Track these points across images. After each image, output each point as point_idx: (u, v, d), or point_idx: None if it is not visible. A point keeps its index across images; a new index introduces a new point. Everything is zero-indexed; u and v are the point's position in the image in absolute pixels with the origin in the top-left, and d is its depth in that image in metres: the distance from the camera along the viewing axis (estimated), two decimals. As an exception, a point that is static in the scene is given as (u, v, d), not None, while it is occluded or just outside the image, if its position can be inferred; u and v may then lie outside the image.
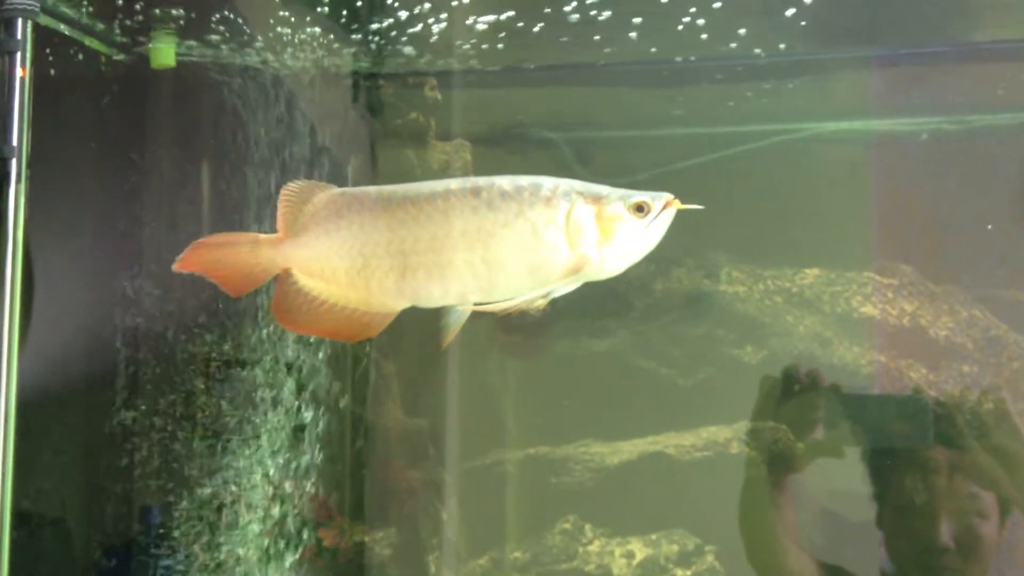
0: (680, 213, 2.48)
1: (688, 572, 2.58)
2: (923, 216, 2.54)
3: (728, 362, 2.69)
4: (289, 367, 2.60)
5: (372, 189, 1.34)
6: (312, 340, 2.62)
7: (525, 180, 1.30)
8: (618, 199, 1.27)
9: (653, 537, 2.62)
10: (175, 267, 1.34)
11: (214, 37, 2.45)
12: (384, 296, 1.32)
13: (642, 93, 2.72)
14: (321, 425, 2.63)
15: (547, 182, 1.29)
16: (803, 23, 2.43)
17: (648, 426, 2.71)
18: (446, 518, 2.73)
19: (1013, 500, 2.13)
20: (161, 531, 2.50)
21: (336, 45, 2.62)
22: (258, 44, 2.50)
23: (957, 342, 2.52)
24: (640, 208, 1.26)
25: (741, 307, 2.69)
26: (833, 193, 2.44)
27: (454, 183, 1.31)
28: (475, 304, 1.31)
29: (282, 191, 1.34)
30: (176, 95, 2.59)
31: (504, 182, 1.30)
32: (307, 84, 2.68)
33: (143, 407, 2.53)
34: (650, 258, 2.69)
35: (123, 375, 2.51)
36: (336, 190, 1.34)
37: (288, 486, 2.57)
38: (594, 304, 2.78)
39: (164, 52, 2.49)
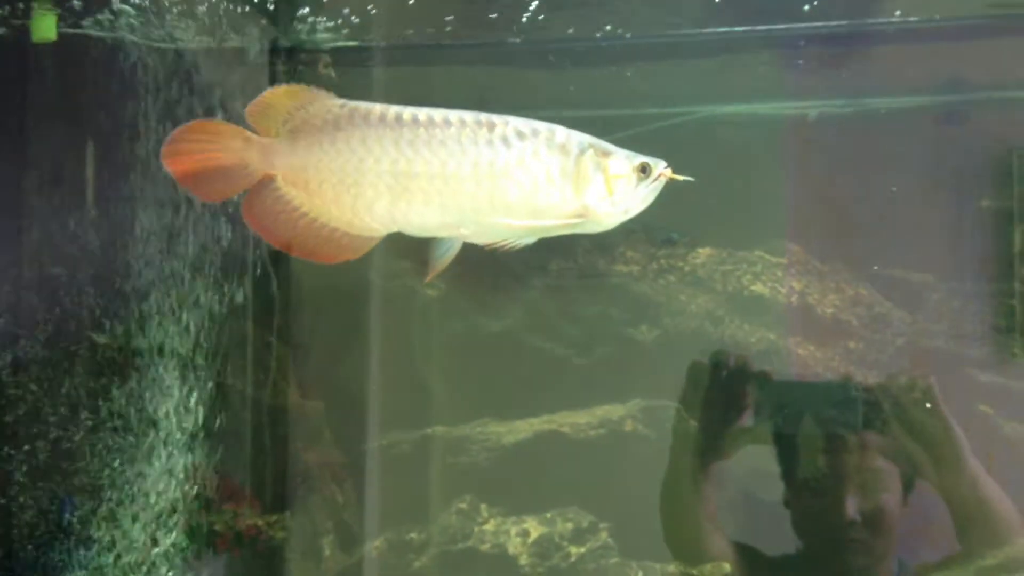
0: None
1: (582, 549, 2.59)
2: (812, 196, 2.59)
3: (623, 341, 2.70)
4: (181, 354, 2.54)
5: (378, 106, 1.29)
6: (204, 326, 2.56)
7: (541, 124, 1.29)
8: (624, 158, 1.29)
9: (548, 515, 2.63)
10: (164, 150, 1.25)
11: (105, 14, 2.37)
12: (371, 218, 1.28)
13: (539, 74, 2.71)
14: (216, 409, 2.57)
15: (560, 129, 1.30)
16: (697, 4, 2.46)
17: (544, 405, 2.72)
18: (341, 500, 2.70)
19: (935, 484, 2.19)
20: (53, 524, 2.44)
21: (245, 20, 2.56)
22: (153, 19, 2.43)
23: (843, 319, 2.57)
24: (644, 169, 1.29)
25: (635, 286, 2.71)
26: (726, 174, 2.46)
27: (467, 114, 1.29)
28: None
29: (270, 91, 1.28)
30: (59, 70, 2.50)
31: (519, 122, 1.29)
32: (209, 61, 2.60)
33: (30, 399, 2.46)
34: (547, 238, 2.70)
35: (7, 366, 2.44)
36: (337, 100, 1.29)
37: (183, 473, 2.52)
38: (489, 283, 2.78)
39: (45, 25, 2.39)
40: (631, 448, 2.64)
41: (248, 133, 1.29)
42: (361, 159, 1.26)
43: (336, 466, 2.72)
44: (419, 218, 1.28)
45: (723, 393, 2.29)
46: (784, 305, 2.63)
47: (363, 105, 1.29)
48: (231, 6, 2.51)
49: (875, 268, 2.58)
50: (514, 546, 2.61)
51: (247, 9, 2.56)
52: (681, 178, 1.29)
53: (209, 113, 2.53)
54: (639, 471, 2.64)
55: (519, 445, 2.68)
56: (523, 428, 2.69)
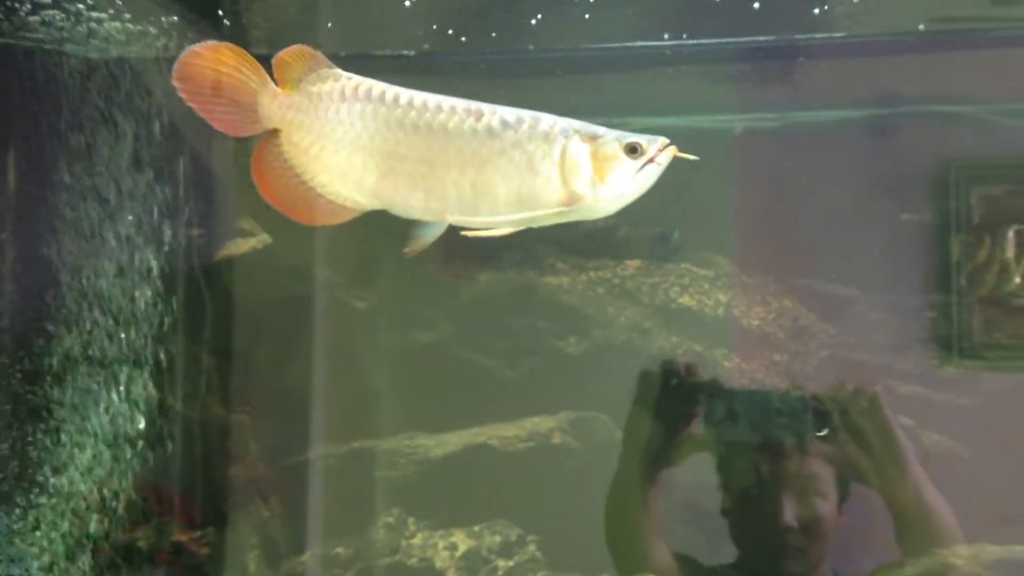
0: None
1: (510, 563, 2.59)
2: (740, 210, 2.61)
3: (552, 353, 2.70)
4: (109, 367, 2.50)
5: (382, 84, 1.30)
6: (133, 336, 2.52)
7: (527, 113, 1.29)
8: (614, 139, 1.27)
9: (476, 528, 2.62)
10: (182, 59, 1.25)
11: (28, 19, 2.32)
12: (358, 192, 1.29)
13: (469, 85, 2.70)
14: (143, 423, 2.53)
15: (547, 118, 1.28)
16: (631, 15, 2.46)
17: (473, 418, 2.71)
18: (267, 515, 2.66)
19: (879, 490, 2.22)
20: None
21: (184, 26, 2.53)
22: (85, 27, 2.39)
23: (768, 331, 2.60)
24: (634, 149, 1.27)
25: (565, 298, 2.71)
26: (655, 187, 2.47)
27: (459, 102, 1.29)
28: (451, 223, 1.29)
29: (297, 47, 1.29)
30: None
31: (506, 112, 1.28)
32: (147, 69, 2.57)
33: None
34: (478, 248, 2.69)
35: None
36: (347, 75, 1.30)
37: (107, 486, 2.47)
38: (419, 295, 2.76)
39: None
40: (559, 460, 2.63)
41: (267, 77, 1.30)
42: (357, 134, 1.28)
43: (262, 480, 2.69)
44: (403, 200, 1.29)
45: (673, 401, 2.30)
46: (710, 317, 2.65)
47: (367, 81, 1.31)
48: (171, 15, 2.49)
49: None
50: (442, 560, 2.59)
51: (188, 18, 2.53)
52: (686, 156, 1.28)
53: (146, 121, 2.50)
54: (567, 484, 2.65)
55: (447, 458, 2.67)
56: (452, 441, 2.68)
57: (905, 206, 2.58)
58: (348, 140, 1.29)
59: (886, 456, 2.21)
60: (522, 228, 1.29)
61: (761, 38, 2.52)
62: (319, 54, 1.31)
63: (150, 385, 2.54)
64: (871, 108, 2.62)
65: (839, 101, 2.65)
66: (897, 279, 2.58)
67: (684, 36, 2.52)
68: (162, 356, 2.59)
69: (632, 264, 2.67)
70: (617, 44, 2.53)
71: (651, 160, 1.27)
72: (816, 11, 2.44)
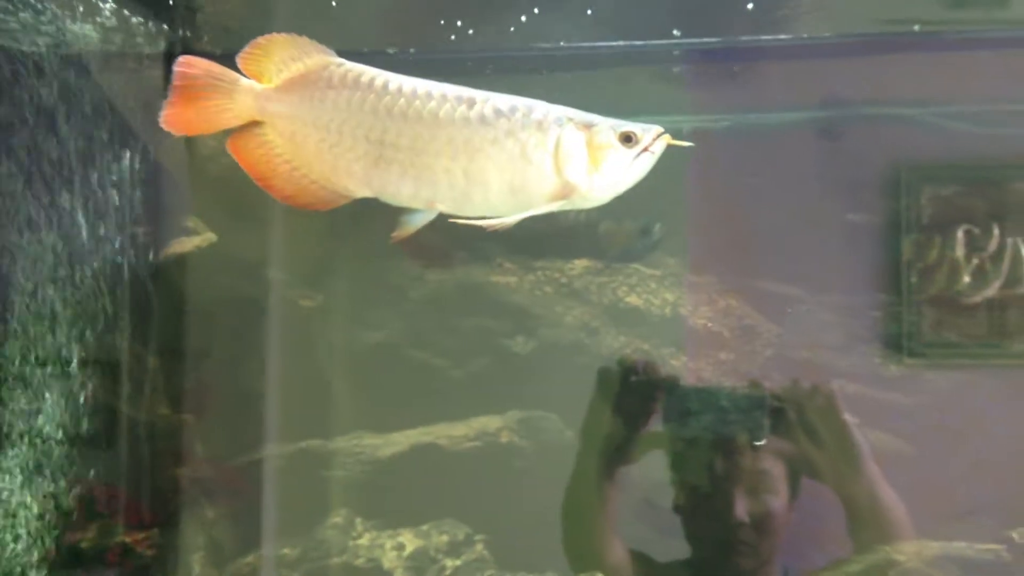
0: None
1: (458, 562, 2.58)
2: (688, 210, 2.62)
3: (500, 352, 2.70)
4: (47, 363, 2.46)
5: (371, 70, 1.29)
6: (73, 335, 2.49)
7: (520, 101, 1.27)
8: (608, 128, 1.26)
9: (424, 528, 2.61)
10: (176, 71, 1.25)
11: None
12: (349, 179, 1.28)
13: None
14: (87, 424, 2.50)
15: (541, 106, 1.27)
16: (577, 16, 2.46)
17: (421, 417, 2.70)
18: (212, 516, 2.64)
19: (834, 486, 2.24)
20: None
21: (139, 24, 2.51)
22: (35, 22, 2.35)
23: (714, 331, 2.61)
24: (628, 138, 1.26)
25: (513, 297, 2.71)
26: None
27: (451, 89, 1.28)
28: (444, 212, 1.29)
29: (267, 37, 1.27)
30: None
31: (499, 99, 1.27)
32: (98, 64, 2.54)
33: None
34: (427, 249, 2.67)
35: None
36: (335, 58, 1.28)
37: (49, 488, 2.44)
38: (368, 294, 2.75)
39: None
40: (507, 460, 2.63)
41: (237, 76, 1.28)
42: (345, 120, 1.27)
43: (208, 481, 2.66)
44: (393, 187, 1.28)
45: (631, 398, 2.31)
46: (658, 317, 2.66)
47: (357, 67, 1.30)
48: (123, 10, 2.46)
49: (788, 311, 2.60)
50: (389, 560, 2.58)
51: (141, 14, 2.51)
52: (680, 143, 1.27)
53: (91, 117, 2.47)
54: (515, 483, 2.65)
55: (395, 458, 2.66)
56: (399, 440, 2.67)
57: (856, 207, 2.60)
58: (336, 128, 1.27)
59: (842, 453, 2.24)
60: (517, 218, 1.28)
61: (711, 39, 2.53)
62: (302, 39, 1.29)
63: (93, 385, 2.51)
64: (822, 110, 2.64)
65: (790, 103, 2.67)
66: (846, 279, 2.60)
67: (633, 38, 2.54)
68: (105, 356, 2.56)
69: (580, 263, 2.68)
70: (569, 44, 2.53)
71: (646, 149, 1.27)
72: (767, 12, 2.47)
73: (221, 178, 2.68)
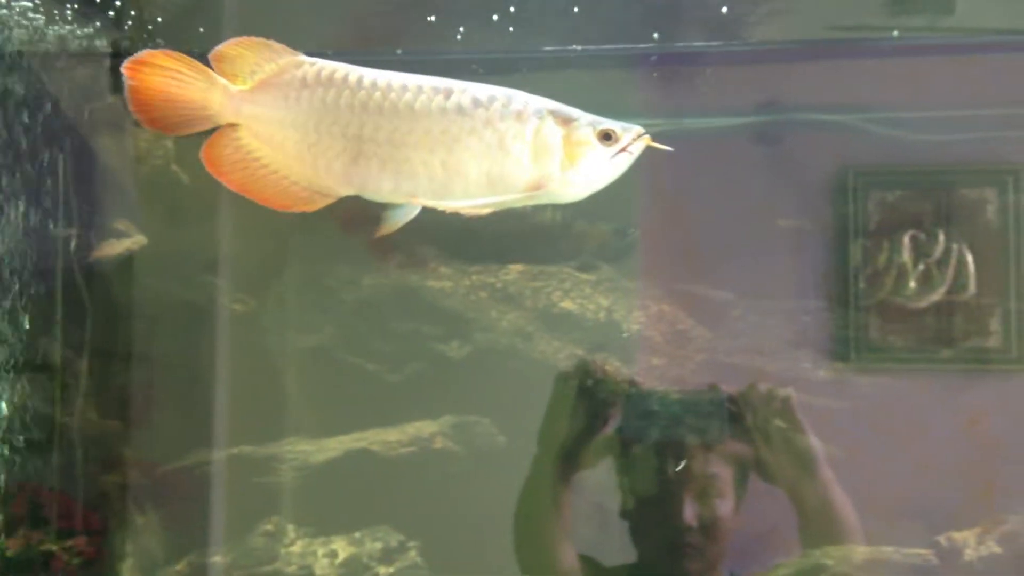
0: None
1: (391, 569, 2.57)
2: (623, 215, 2.64)
3: (435, 357, 2.69)
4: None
5: (345, 67, 1.25)
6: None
7: (499, 91, 1.24)
8: (587, 124, 1.23)
9: (357, 535, 2.60)
10: (127, 64, 1.18)
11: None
12: (330, 178, 1.25)
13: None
14: (14, 429, 2.45)
15: (519, 96, 1.24)
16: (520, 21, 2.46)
17: (354, 423, 2.68)
18: (141, 523, 2.60)
19: (788, 489, 2.26)
20: None
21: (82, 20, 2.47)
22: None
23: (647, 336, 2.62)
24: (608, 136, 1.22)
25: (448, 302, 2.70)
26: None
27: (427, 80, 1.24)
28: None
29: (239, 40, 1.23)
30: None
31: (477, 89, 1.24)
32: (40, 61, 2.49)
33: None
34: (360, 253, 2.66)
35: None
36: (307, 58, 1.25)
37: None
38: (301, 298, 2.73)
39: None
40: (442, 465, 2.63)
41: (214, 75, 1.24)
42: (321, 118, 1.24)
43: (136, 488, 2.62)
44: (374, 183, 1.24)
45: (589, 402, 2.31)
46: (592, 321, 2.66)
47: (331, 64, 1.26)
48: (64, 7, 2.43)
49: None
50: (321, 567, 2.56)
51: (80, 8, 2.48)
52: (659, 146, 1.24)
53: (30, 112, 2.43)
54: (449, 488, 2.64)
55: (328, 464, 2.64)
56: (332, 446, 2.65)
57: (803, 212, 2.62)
58: (313, 127, 1.24)
59: (797, 457, 2.25)
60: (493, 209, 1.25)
61: (659, 45, 2.54)
62: (273, 43, 1.26)
63: (23, 390, 2.47)
64: (768, 115, 2.66)
65: (738, 108, 2.68)
66: (792, 284, 2.62)
67: (576, 43, 2.54)
68: (37, 359, 2.51)
69: (515, 268, 2.67)
70: (502, 50, 2.53)
71: (624, 149, 1.24)
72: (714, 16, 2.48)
73: (152, 180, 2.64)
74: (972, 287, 2.56)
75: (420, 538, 2.61)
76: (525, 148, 1.22)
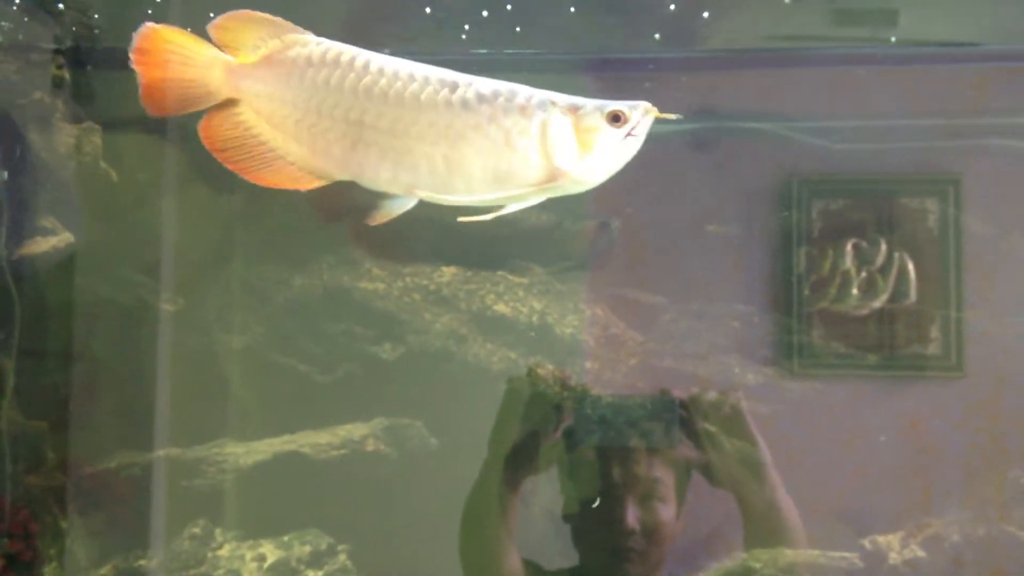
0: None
1: (320, 573, 2.55)
2: (551, 220, 2.63)
3: (367, 358, 2.67)
4: None
5: (352, 49, 1.23)
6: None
7: (503, 86, 1.23)
8: (595, 109, 1.22)
9: (285, 539, 2.57)
10: (134, 53, 1.19)
11: None
12: (327, 162, 1.23)
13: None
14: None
15: (523, 90, 1.23)
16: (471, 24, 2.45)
17: (285, 425, 2.65)
18: (65, 526, 2.55)
19: (737, 493, 2.26)
20: None
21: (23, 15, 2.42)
22: None
23: (580, 339, 2.63)
24: (617, 118, 1.22)
25: (380, 304, 2.68)
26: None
27: (433, 71, 1.22)
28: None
29: (242, 12, 1.21)
30: None
31: (482, 84, 1.22)
32: None
33: None
34: (291, 253, 2.63)
35: None
36: (313, 36, 1.23)
37: None
38: (231, 298, 2.69)
39: None
40: (373, 468, 2.61)
41: (215, 50, 1.22)
42: (323, 100, 1.22)
43: (60, 490, 2.57)
44: (372, 171, 1.23)
45: (541, 407, 2.30)
46: (525, 325, 2.66)
47: (337, 46, 1.24)
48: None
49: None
50: (249, 571, 2.53)
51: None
52: (669, 116, 1.25)
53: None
54: (380, 491, 2.63)
55: (257, 466, 2.61)
56: (262, 449, 2.62)
57: (746, 219, 2.63)
58: (315, 108, 1.22)
59: (746, 460, 2.26)
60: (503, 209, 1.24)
61: (609, 53, 2.55)
62: (278, 19, 1.24)
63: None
64: (713, 122, 2.67)
65: (683, 115, 2.68)
66: (736, 290, 2.63)
67: (527, 47, 2.53)
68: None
69: (448, 271, 2.66)
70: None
71: (635, 127, 1.24)
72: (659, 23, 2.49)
73: (80, 177, 2.59)
74: (913, 295, 2.60)
75: (350, 541, 2.59)
76: (532, 143, 1.22)
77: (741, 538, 2.31)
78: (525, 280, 2.66)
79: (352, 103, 1.22)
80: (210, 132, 1.25)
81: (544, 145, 1.22)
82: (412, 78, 1.22)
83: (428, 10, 2.39)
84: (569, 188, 1.26)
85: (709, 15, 2.47)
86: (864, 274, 2.61)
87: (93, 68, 2.58)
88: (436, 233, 2.55)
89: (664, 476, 2.30)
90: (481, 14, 2.44)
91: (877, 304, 2.60)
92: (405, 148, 1.22)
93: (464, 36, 2.46)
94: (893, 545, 2.44)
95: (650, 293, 2.60)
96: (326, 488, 2.61)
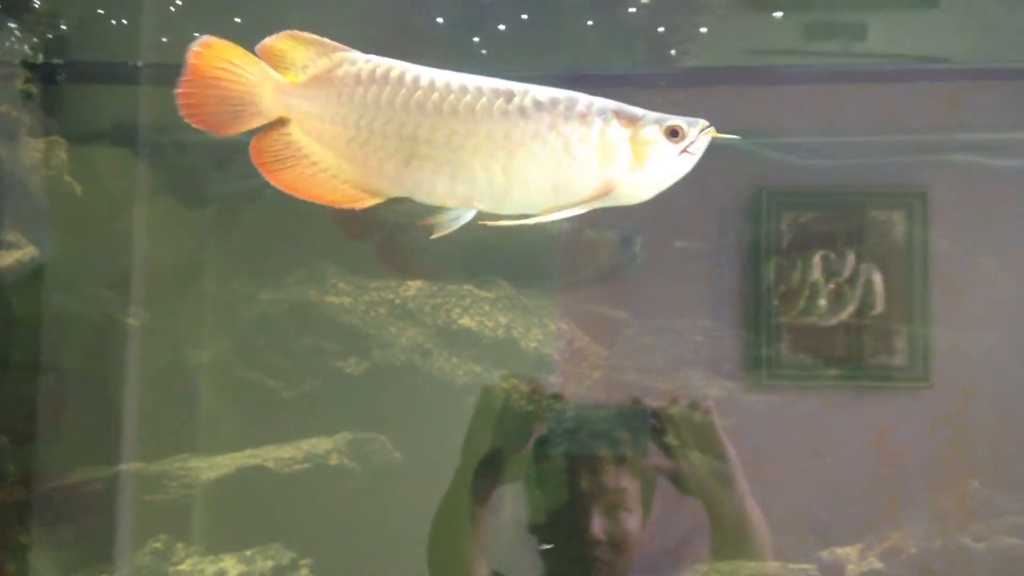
0: (289, 220, 2.40)
1: (282, 587, 2.53)
2: (519, 234, 2.63)
3: (332, 373, 2.67)
4: None
5: (401, 64, 1.22)
6: None
7: (561, 93, 1.21)
8: (653, 122, 1.21)
9: (248, 553, 2.55)
10: (189, 61, 1.17)
11: None
12: (381, 179, 1.22)
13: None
14: None
15: (583, 98, 1.21)
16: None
17: (249, 439, 2.64)
18: (26, 541, 2.53)
19: (707, 504, 2.25)
20: None
21: None
22: None
23: (545, 353, 2.63)
24: (675, 133, 1.21)
25: (346, 318, 2.68)
26: (435, 210, 2.47)
27: (486, 82, 1.21)
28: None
29: (290, 33, 1.21)
30: None
31: (538, 91, 1.20)
32: None
33: None
34: (258, 268, 2.63)
35: None
36: (361, 55, 1.22)
37: None
38: (197, 312, 2.69)
39: None
40: (336, 482, 2.60)
41: (266, 68, 1.21)
42: (374, 117, 1.21)
43: (22, 505, 2.55)
44: (428, 185, 1.21)
45: (514, 417, 2.29)
46: (490, 339, 2.66)
47: (386, 62, 1.23)
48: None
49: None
50: (210, 586, 2.51)
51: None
52: (727, 136, 1.24)
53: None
54: (344, 505, 2.62)
55: (220, 481, 2.59)
56: (225, 463, 2.61)
57: (718, 231, 2.65)
58: (366, 126, 1.21)
59: (716, 469, 2.26)
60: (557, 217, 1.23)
61: (580, 70, 2.56)
62: (325, 39, 1.23)
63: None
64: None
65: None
66: (706, 303, 2.64)
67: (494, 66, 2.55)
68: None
69: (414, 285, 2.67)
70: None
71: (692, 143, 1.23)
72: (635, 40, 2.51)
73: (45, 191, 2.60)
74: (880, 306, 2.61)
75: (313, 556, 2.57)
76: (592, 152, 1.20)
77: (709, 548, 2.30)
78: (491, 294, 2.67)
79: (405, 119, 1.21)
80: (261, 152, 1.24)
81: (602, 154, 1.21)
82: (465, 90, 1.21)
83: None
84: (618, 201, 1.25)
85: (683, 32, 2.50)
86: (832, 286, 2.62)
87: (62, 82, 2.58)
88: (464, 247, 2.56)
89: (630, 486, 2.29)
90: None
91: (845, 315, 2.62)
92: (461, 161, 1.21)
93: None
94: (852, 557, 2.44)
95: (615, 308, 2.60)
96: (289, 502, 2.60)
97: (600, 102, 1.23)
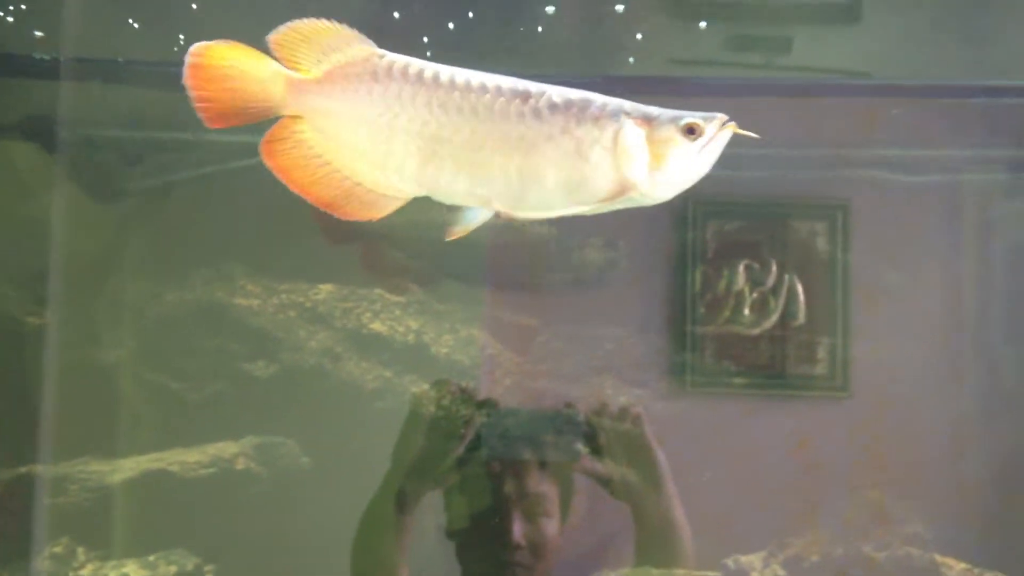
0: (199, 220, 2.35)
1: (185, 593, 2.50)
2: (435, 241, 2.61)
3: (240, 376, 2.63)
4: None
5: (418, 62, 1.19)
6: None
7: (576, 95, 1.19)
8: (669, 121, 1.19)
9: (151, 559, 2.51)
10: (187, 66, 1.13)
11: None
12: (400, 179, 1.19)
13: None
14: None
15: (597, 99, 1.19)
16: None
17: (153, 442, 2.60)
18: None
19: (634, 508, 2.28)
20: None
21: None
22: None
23: (456, 359, 2.61)
24: (692, 130, 1.19)
25: (255, 320, 2.64)
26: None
27: (504, 80, 1.19)
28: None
29: (305, 23, 1.16)
30: None
31: (554, 93, 1.19)
32: None
33: None
34: (163, 268, 2.58)
35: None
36: (377, 49, 1.19)
37: None
38: (101, 312, 2.63)
39: None
40: (242, 487, 2.57)
41: (275, 64, 1.17)
42: (395, 115, 1.18)
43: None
44: (447, 185, 1.19)
45: (445, 422, 2.27)
46: (401, 344, 2.64)
47: (402, 59, 1.20)
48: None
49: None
50: (112, 592, 2.48)
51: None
52: (746, 133, 1.23)
53: None
54: (250, 510, 2.59)
55: (123, 484, 2.55)
56: (129, 467, 2.56)
57: (645, 239, 2.64)
58: (386, 124, 1.18)
59: (645, 474, 2.27)
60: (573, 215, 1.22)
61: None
62: (342, 28, 1.18)
63: None
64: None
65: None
66: (630, 309, 2.64)
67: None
68: None
69: (325, 288, 2.63)
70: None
71: (711, 140, 1.21)
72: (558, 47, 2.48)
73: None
74: (802, 316, 2.63)
75: (217, 561, 2.54)
76: (605, 154, 1.19)
77: (632, 551, 2.31)
78: (402, 299, 2.64)
79: (427, 117, 1.19)
80: (272, 152, 1.19)
81: (616, 156, 1.20)
82: (484, 89, 1.19)
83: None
84: (638, 201, 1.23)
85: (612, 40, 2.48)
86: (756, 295, 2.63)
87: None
88: (466, 253, 2.53)
89: (550, 491, 2.30)
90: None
91: (768, 324, 2.63)
92: (480, 161, 1.19)
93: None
94: (755, 565, 2.46)
95: (527, 315, 2.59)
96: (194, 507, 2.56)
97: (615, 103, 1.22)
